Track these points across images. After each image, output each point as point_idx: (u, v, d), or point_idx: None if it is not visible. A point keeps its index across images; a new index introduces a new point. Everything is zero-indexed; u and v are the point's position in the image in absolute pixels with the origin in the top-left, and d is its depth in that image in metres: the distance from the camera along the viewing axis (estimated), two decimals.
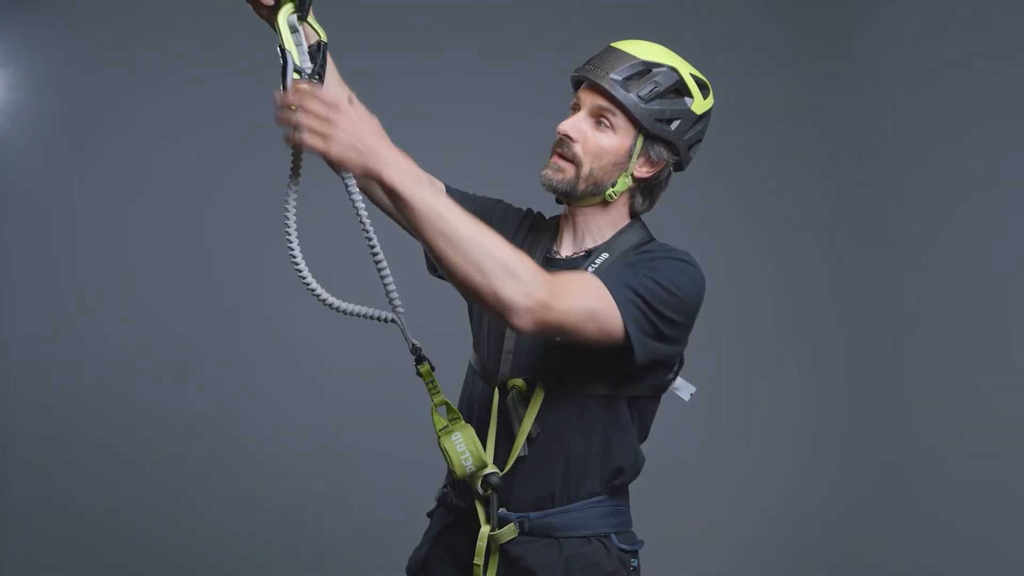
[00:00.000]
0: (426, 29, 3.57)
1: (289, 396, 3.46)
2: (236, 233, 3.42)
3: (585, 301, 1.45)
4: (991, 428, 3.28)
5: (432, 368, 1.60)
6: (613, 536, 1.66)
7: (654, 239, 1.71)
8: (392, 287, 1.54)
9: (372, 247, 1.48)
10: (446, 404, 1.61)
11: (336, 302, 1.49)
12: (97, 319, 3.37)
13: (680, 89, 1.63)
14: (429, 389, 1.60)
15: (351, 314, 1.51)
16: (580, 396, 1.63)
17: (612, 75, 1.61)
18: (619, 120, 1.62)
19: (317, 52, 1.41)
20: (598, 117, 1.63)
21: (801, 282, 3.73)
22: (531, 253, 1.72)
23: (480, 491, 1.63)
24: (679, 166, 1.70)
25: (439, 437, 1.60)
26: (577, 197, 1.66)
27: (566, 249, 1.71)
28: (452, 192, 1.77)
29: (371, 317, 1.53)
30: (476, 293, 1.37)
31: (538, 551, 1.63)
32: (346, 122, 1.28)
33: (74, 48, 3.36)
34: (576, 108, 1.67)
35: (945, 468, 3.42)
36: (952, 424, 3.41)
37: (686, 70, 1.65)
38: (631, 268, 1.55)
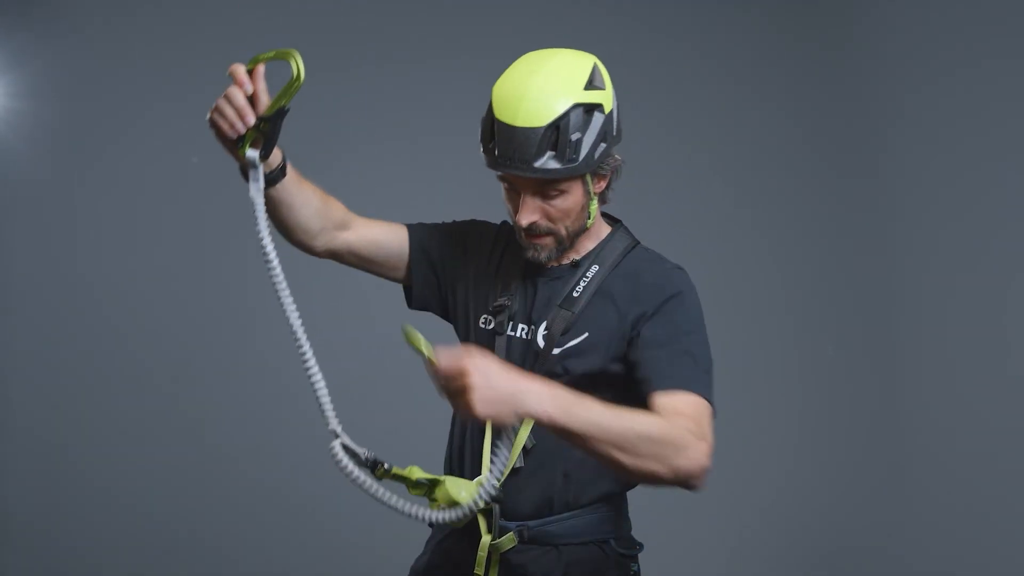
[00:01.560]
0: (410, 37, 3.55)
1: (290, 398, 3.44)
2: (237, 237, 3.40)
3: (708, 414, 1.49)
4: (991, 431, 3.28)
5: (387, 470, 1.51)
6: (612, 541, 1.67)
7: (639, 243, 1.71)
8: (326, 401, 1.46)
9: (304, 357, 1.45)
10: (424, 478, 1.56)
11: (311, 363, 1.46)
12: (97, 322, 3.36)
13: (589, 110, 1.53)
14: (397, 480, 1.53)
15: (315, 391, 1.47)
16: None
17: (535, 163, 1.51)
18: (564, 183, 1.56)
19: (278, 119, 1.45)
20: (543, 193, 1.57)
21: (801, 284, 3.72)
22: (513, 265, 1.70)
23: None
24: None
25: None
26: (569, 247, 1.66)
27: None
28: (416, 228, 1.76)
29: (323, 412, 1.46)
30: (660, 481, 1.38)
31: (538, 559, 1.64)
32: (480, 380, 1.25)
33: (73, 55, 3.35)
34: (507, 183, 1.61)
35: (946, 470, 3.42)
36: (952, 426, 3.41)
37: (580, 90, 1.53)
38: (678, 336, 1.55)
